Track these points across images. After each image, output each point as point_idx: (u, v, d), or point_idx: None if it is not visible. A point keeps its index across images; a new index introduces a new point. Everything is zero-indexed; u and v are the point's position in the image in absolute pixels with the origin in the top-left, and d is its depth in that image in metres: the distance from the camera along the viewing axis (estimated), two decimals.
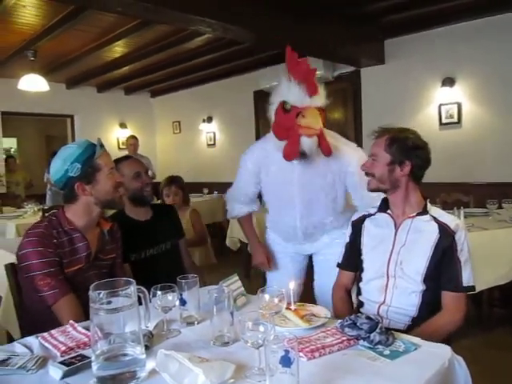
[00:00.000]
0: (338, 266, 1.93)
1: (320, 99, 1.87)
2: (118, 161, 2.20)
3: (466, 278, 1.59)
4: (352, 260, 1.88)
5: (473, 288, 1.61)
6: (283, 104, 1.85)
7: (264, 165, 2.12)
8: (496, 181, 4.46)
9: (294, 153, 1.87)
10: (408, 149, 1.65)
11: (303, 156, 1.92)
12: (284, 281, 2.23)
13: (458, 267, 1.59)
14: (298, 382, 0.94)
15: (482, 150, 4.60)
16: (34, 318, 1.66)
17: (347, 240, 1.91)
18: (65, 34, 4.69)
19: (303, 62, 1.87)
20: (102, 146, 1.71)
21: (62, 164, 1.65)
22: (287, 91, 1.84)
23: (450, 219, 1.67)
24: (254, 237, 2.38)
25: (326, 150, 1.89)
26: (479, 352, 2.69)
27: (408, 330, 1.58)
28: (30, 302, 1.70)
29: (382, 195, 1.81)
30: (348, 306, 1.86)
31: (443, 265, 1.61)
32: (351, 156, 2.05)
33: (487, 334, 3.01)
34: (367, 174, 1.73)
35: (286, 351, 0.93)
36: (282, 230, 2.29)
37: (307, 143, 1.84)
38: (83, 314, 1.51)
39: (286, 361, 0.93)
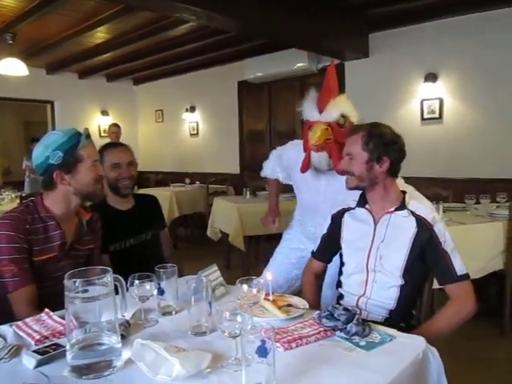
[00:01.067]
0: (312, 254, 1.97)
1: (330, 115, 1.89)
2: (106, 146, 2.20)
3: (459, 266, 1.59)
4: (326, 252, 1.93)
5: (467, 275, 1.61)
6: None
7: (293, 165, 2.18)
8: (474, 176, 4.53)
9: (305, 165, 1.95)
10: (385, 144, 1.63)
11: (316, 170, 1.98)
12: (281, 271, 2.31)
13: (447, 258, 1.59)
14: (274, 371, 0.94)
15: (462, 146, 4.66)
16: (5, 305, 1.63)
17: (324, 231, 1.92)
18: (45, 18, 4.58)
19: (328, 75, 1.95)
20: (88, 136, 1.67)
21: (43, 150, 1.62)
22: (305, 106, 1.94)
23: (427, 212, 1.66)
24: (274, 200, 2.65)
25: (334, 164, 1.92)
26: (455, 343, 2.74)
27: (385, 321, 1.60)
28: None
29: None
30: (315, 288, 1.97)
31: (429, 260, 1.62)
32: None
33: (462, 327, 3.07)
34: (345, 173, 1.72)
35: (263, 341, 0.93)
36: (303, 229, 2.35)
37: (314, 157, 1.91)
38: (38, 308, 1.50)
39: (263, 351, 0.93)
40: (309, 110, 1.89)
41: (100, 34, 5.39)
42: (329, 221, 1.91)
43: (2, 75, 5.26)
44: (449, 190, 4.10)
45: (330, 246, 1.89)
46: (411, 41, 4.92)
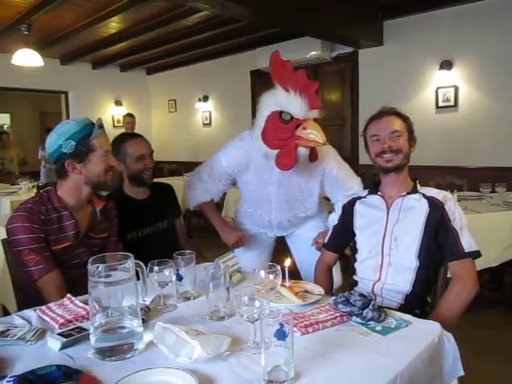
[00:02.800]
0: (324, 245, 1.99)
1: (316, 111, 1.86)
2: (125, 137, 2.21)
3: (467, 244, 1.61)
4: (338, 242, 1.95)
5: (477, 253, 1.62)
6: (280, 114, 1.82)
7: (241, 164, 2.10)
8: (489, 165, 4.48)
9: (291, 163, 1.86)
10: (412, 126, 1.74)
11: (268, 160, 1.94)
12: (252, 259, 2.31)
13: (455, 235, 1.61)
14: (293, 354, 0.96)
15: (478, 134, 4.61)
16: (28, 292, 1.68)
17: (335, 222, 1.94)
18: (60, 8, 4.59)
19: (301, 73, 1.84)
20: (101, 126, 1.69)
21: (56, 139, 1.64)
22: (287, 102, 1.80)
23: (437, 192, 1.72)
24: (221, 219, 2.32)
25: (315, 157, 1.92)
26: (468, 331, 2.75)
27: (400, 308, 1.62)
28: (21, 276, 1.72)
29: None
30: (329, 278, 1.98)
31: (440, 238, 1.64)
32: (326, 152, 2.10)
33: (477, 315, 3.05)
34: (392, 151, 1.69)
35: (281, 325, 0.96)
36: (255, 221, 2.31)
37: (303, 153, 1.85)
38: (66, 291, 1.53)
39: (281, 334, 0.95)
40: (297, 107, 1.78)
41: (113, 24, 5.41)
42: (340, 211, 1.93)
43: (18, 66, 5.31)
44: (464, 179, 4.07)
45: (342, 236, 1.91)
46: (426, 28, 4.85)
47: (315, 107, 1.82)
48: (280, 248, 2.56)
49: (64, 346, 1.16)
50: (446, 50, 4.71)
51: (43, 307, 1.40)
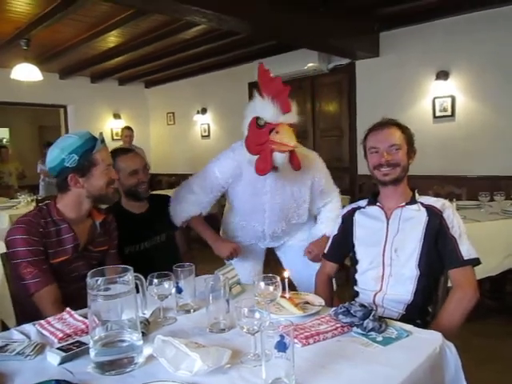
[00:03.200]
0: (324, 256, 1.99)
1: (292, 116, 1.88)
2: (117, 152, 2.18)
3: (466, 251, 1.61)
4: (338, 252, 1.95)
5: (476, 260, 1.62)
6: (256, 120, 1.86)
7: (235, 175, 2.11)
8: (488, 174, 4.50)
9: (267, 168, 1.89)
10: (412, 138, 1.74)
11: (274, 169, 1.95)
12: (248, 270, 2.31)
13: (454, 243, 1.62)
14: (293, 366, 0.96)
15: (475, 144, 4.63)
16: (27, 306, 1.67)
17: (335, 232, 1.95)
18: (59, 23, 4.63)
19: (277, 80, 1.88)
20: (103, 141, 1.70)
21: (59, 153, 1.64)
22: (261, 108, 1.85)
23: (436, 200, 1.73)
24: (211, 232, 2.28)
25: (297, 164, 1.92)
26: (469, 341, 2.73)
27: (401, 318, 1.61)
28: (19, 290, 1.71)
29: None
30: (330, 289, 1.98)
31: (440, 246, 1.64)
32: (315, 162, 2.19)
33: (477, 324, 3.05)
34: (390, 165, 1.69)
35: (282, 336, 0.95)
36: (248, 233, 2.31)
37: (280, 158, 1.86)
38: (63, 305, 1.53)
39: (282, 346, 0.95)
40: (269, 112, 1.82)
41: (112, 38, 5.45)
42: (339, 221, 1.93)
43: (17, 81, 5.35)
44: (462, 188, 4.08)
45: (341, 246, 1.92)
46: (422, 39, 4.89)
47: (287, 111, 1.84)
48: (272, 259, 2.57)
49: (63, 361, 1.15)
50: (442, 60, 4.75)
51: (42, 321, 1.40)
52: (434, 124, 4.89)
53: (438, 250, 1.65)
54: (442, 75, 4.73)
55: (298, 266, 2.29)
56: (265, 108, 1.83)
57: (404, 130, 1.74)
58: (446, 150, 4.78)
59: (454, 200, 3.52)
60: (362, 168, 1.86)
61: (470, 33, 4.54)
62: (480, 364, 2.47)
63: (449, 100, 4.75)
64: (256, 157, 1.91)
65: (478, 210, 3.45)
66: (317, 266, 2.09)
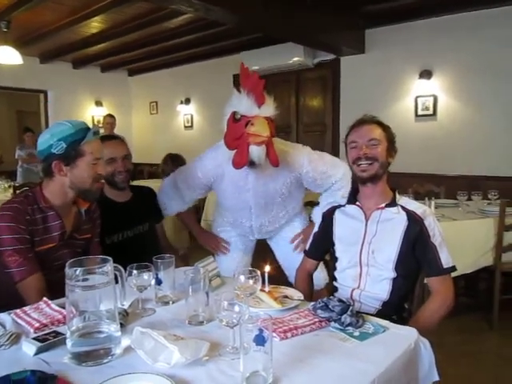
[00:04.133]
0: (305, 252, 2.00)
1: (268, 109, 1.89)
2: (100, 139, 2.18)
3: (445, 260, 1.63)
4: (318, 250, 1.96)
5: (453, 268, 1.65)
6: (234, 114, 1.89)
7: (216, 174, 2.14)
8: (467, 173, 4.58)
9: (243, 161, 1.89)
10: (394, 136, 1.74)
11: (252, 165, 1.94)
12: (236, 261, 2.35)
13: (435, 252, 1.63)
14: (271, 360, 0.96)
15: (455, 143, 4.71)
16: (7, 294, 1.64)
17: (316, 229, 1.96)
18: (40, 6, 4.53)
19: (253, 75, 1.91)
20: (96, 133, 1.68)
21: (49, 138, 1.62)
22: (237, 102, 1.88)
23: (417, 206, 1.72)
24: (198, 226, 2.50)
25: (274, 160, 1.91)
26: (445, 336, 2.81)
27: (378, 313, 1.63)
28: (1, 277, 1.68)
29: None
30: (309, 286, 1.99)
31: (419, 253, 1.66)
32: (301, 157, 2.12)
33: (452, 321, 3.11)
34: (368, 159, 1.68)
35: (260, 330, 0.96)
36: (236, 227, 2.36)
37: (256, 152, 1.86)
38: (48, 294, 1.51)
39: (260, 339, 0.96)
40: (245, 105, 1.85)
41: (95, 24, 5.35)
42: (320, 219, 1.94)
43: None
44: (441, 187, 4.14)
45: (322, 243, 1.93)
46: (407, 37, 4.94)
47: (261, 103, 1.85)
48: (260, 250, 2.58)
49: (39, 351, 1.13)
50: (426, 59, 4.81)
51: (18, 311, 1.37)
52: (415, 122, 4.95)
53: (416, 256, 1.67)
54: (425, 74, 4.79)
55: (290, 256, 2.31)
56: (241, 102, 1.86)
57: (385, 128, 1.74)
58: (426, 148, 4.84)
59: (433, 198, 3.58)
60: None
61: (454, 33, 4.60)
62: (453, 359, 2.54)
63: (431, 99, 4.82)
64: (234, 152, 1.92)
65: (455, 208, 3.50)
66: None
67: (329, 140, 5.74)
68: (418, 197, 3.48)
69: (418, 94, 4.89)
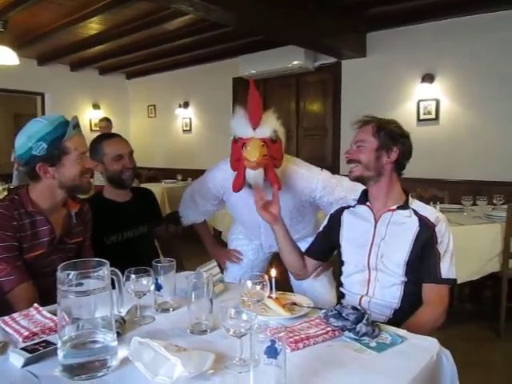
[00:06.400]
0: (305, 252, 1.89)
1: (265, 130, 1.81)
2: (102, 137, 2.12)
3: (445, 270, 1.55)
4: (320, 249, 1.86)
5: (453, 281, 1.57)
6: (234, 135, 1.85)
7: (225, 187, 2.08)
8: (470, 178, 4.51)
9: (239, 185, 1.84)
10: (395, 135, 1.62)
11: (251, 187, 1.87)
12: (241, 271, 2.25)
13: (437, 259, 1.55)
14: (285, 374, 0.87)
15: (458, 148, 4.65)
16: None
17: (320, 229, 1.87)
18: (38, 6, 4.46)
19: (253, 93, 1.84)
20: (76, 126, 1.55)
21: (26, 140, 1.51)
22: (234, 124, 1.84)
23: (431, 212, 1.64)
24: (211, 239, 2.47)
25: (273, 182, 1.84)
26: (448, 345, 2.71)
27: (389, 323, 1.54)
28: None
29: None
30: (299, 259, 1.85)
31: (424, 257, 1.58)
32: (314, 181, 2.03)
33: (458, 329, 3.05)
34: (351, 161, 1.66)
35: (273, 341, 0.87)
36: (249, 242, 2.34)
37: (250, 175, 1.81)
38: (39, 302, 1.41)
39: (272, 351, 0.87)
40: (240, 127, 1.81)
41: (94, 25, 5.27)
42: (326, 219, 1.85)
43: None
44: (445, 192, 4.08)
45: (324, 243, 1.84)
46: (408, 41, 4.89)
47: (255, 125, 1.79)
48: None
49: (28, 363, 1.04)
50: (428, 63, 4.75)
51: (6, 318, 1.28)
52: (417, 127, 4.88)
53: (422, 260, 1.59)
54: (428, 78, 4.73)
55: (303, 282, 2.17)
56: (237, 124, 1.83)
57: (380, 127, 1.64)
58: (429, 153, 4.77)
59: (438, 203, 3.51)
60: (345, 168, 1.80)
61: (457, 37, 4.56)
62: (461, 368, 2.43)
63: (433, 103, 4.76)
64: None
65: (460, 213, 3.44)
66: (324, 279, 2.15)
67: (329, 144, 5.67)
68: (421, 201, 3.40)
69: (420, 98, 4.83)
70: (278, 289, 1.45)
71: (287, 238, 1.80)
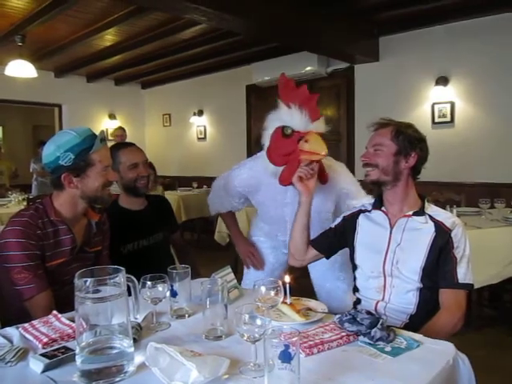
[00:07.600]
0: (311, 241, 1.87)
1: (321, 125, 1.83)
2: (118, 146, 2.15)
3: (462, 275, 1.53)
4: (325, 244, 1.84)
5: (469, 286, 1.55)
6: (283, 129, 1.81)
7: (251, 185, 2.10)
8: (486, 181, 4.45)
9: (289, 178, 1.82)
10: (414, 140, 1.60)
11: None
12: (260, 276, 2.23)
13: (453, 263, 1.53)
14: (299, 378, 0.88)
15: (474, 150, 4.59)
16: (12, 309, 1.58)
17: (332, 226, 1.85)
18: (55, 20, 4.55)
19: (302, 88, 1.84)
20: (103, 140, 1.60)
21: (54, 149, 1.55)
22: (288, 117, 1.80)
23: (447, 217, 1.62)
24: (237, 229, 2.43)
25: (324, 178, 1.85)
26: (469, 351, 2.66)
27: (404, 327, 1.53)
28: (6, 293, 1.61)
29: None
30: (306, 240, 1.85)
31: (440, 263, 1.56)
32: (346, 177, 2.07)
33: (477, 334, 2.99)
34: (367, 165, 1.64)
35: (286, 346, 0.87)
36: (271, 239, 2.30)
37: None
38: (57, 310, 1.43)
39: (286, 356, 0.87)
40: (297, 119, 1.78)
41: (109, 37, 5.37)
42: (340, 219, 1.84)
43: (11, 77, 5.25)
44: (461, 195, 4.03)
45: (332, 240, 1.82)
46: (422, 44, 4.86)
47: (315, 118, 1.79)
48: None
49: (47, 368, 1.06)
50: (442, 66, 4.71)
51: (26, 325, 1.30)
52: (432, 130, 4.83)
53: (438, 265, 1.57)
54: (442, 81, 4.69)
55: (327, 282, 2.23)
56: (292, 116, 1.78)
57: (398, 131, 1.62)
58: (444, 156, 4.72)
59: (455, 207, 3.47)
60: (359, 173, 1.78)
61: (471, 38, 4.51)
62: (479, 375, 2.40)
63: (448, 106, 4.72)
64: (281, 168, 1.84)
65: (478, 216, 3.39)
66: (347, 279, 2.11)
67: (344, 149, 5.65)
68: (437, 205, 3.35)
69: (435, 101, 4.79)
70: (294, 294, 1.45)
71: (307, 216, 1.81)
